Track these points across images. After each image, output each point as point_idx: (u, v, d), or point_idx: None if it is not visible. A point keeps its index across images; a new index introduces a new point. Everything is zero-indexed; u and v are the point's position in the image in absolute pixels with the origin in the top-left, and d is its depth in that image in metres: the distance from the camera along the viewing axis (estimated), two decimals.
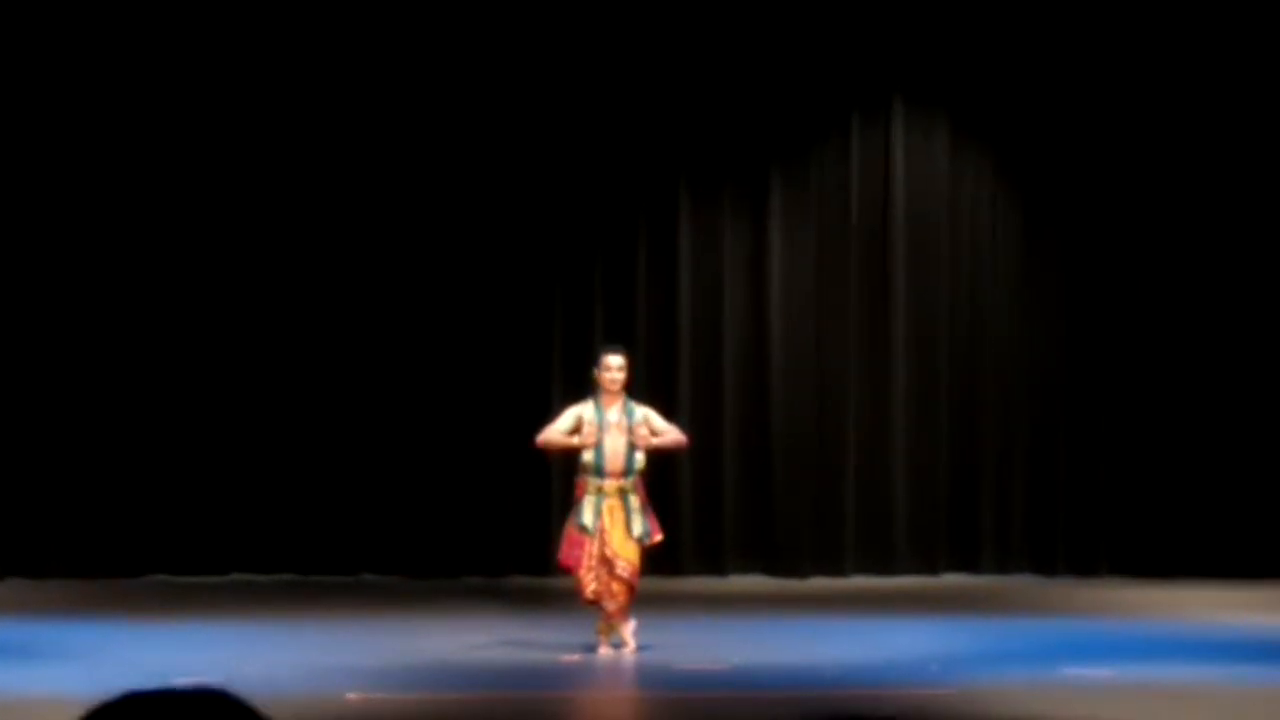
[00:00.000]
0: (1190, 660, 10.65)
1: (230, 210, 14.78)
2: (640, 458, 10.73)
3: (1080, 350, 15.40)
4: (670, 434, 10.99)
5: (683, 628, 11.96)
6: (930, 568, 15.22)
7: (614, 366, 10.82)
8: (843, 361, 15.30)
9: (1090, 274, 15.38)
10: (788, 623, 12.63)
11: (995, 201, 15.57)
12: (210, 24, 14.70)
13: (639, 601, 10.86)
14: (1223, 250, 15.27)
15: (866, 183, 15.41)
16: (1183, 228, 15.29)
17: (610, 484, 10.65)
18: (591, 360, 11.24)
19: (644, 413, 10.84)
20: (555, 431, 10.85)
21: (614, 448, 10.67)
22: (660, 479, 12.48)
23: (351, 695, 9.16)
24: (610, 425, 10.70)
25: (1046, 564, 15.31)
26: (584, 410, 10.80)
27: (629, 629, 10.81)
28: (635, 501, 10.69)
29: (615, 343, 11.80)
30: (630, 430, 10.69)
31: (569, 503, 10.99)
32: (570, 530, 10.75)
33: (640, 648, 10.77)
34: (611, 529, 10.61)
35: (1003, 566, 15.32)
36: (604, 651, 10.78)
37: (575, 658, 10.71)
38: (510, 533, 14.88)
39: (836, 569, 15.16)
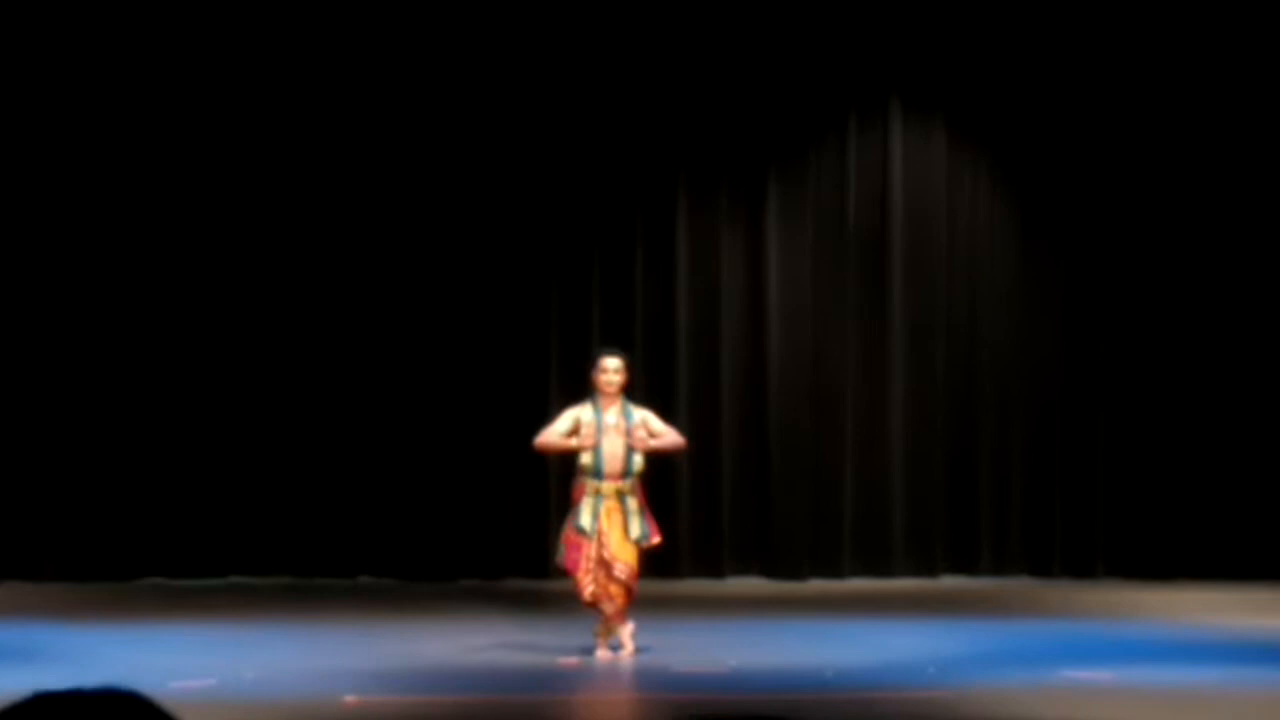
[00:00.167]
0: (1188, 662, 10.64)
1: (228, 212, 14.77)
2: (639, 460, 10.71)
3: (1077, 352, 15.39)
4: (668, 436, 10.97)
5: (681, 630, 11.94)
6: (928, 570, 15.20)
7: (610, 369, 10.80)
8: (840, 363, 15.30)
9: (1087, 276, 15.38)
10: (786, 625, 12.62)
11: (992, 203, 15.57)
12: (210, 24, 14.70)
13: (637, 604, 10.85)
14: (1220, 250, 15.26)
15: (864, 184, 15.40)
16: (1180, 228, 15.29)
17: (609, 486, 10.63)
18: (589, 362, 11.24)
19: (642, 415, 10.82)
20: (553, 433, 10.83)
21: (612, 450, 10.65)
22: (658, 481, 12.47)
23: (349, 698, 9.15)
24: (608, 427, 10.67)
25: (1044, 566, 15.30)
26: (582, 412, 10.78)
27: (627, 631, 10.79)
28: (634, 504, 10.67)
29: (613, 344, 11.79)
30: (629, 432, 10.67)
31: (567, 505, 10.98)
32: (569, 532, 10.74)
33: (638, 650, 10.76)
34: (610, 531, 10.59)
35: (1000, 568, 15.31)
36: (602, 654, 10.77)
37: (573, 660, 10.71)
38: (508, 535, 14.87)
39: (834, 571, 15.14)
